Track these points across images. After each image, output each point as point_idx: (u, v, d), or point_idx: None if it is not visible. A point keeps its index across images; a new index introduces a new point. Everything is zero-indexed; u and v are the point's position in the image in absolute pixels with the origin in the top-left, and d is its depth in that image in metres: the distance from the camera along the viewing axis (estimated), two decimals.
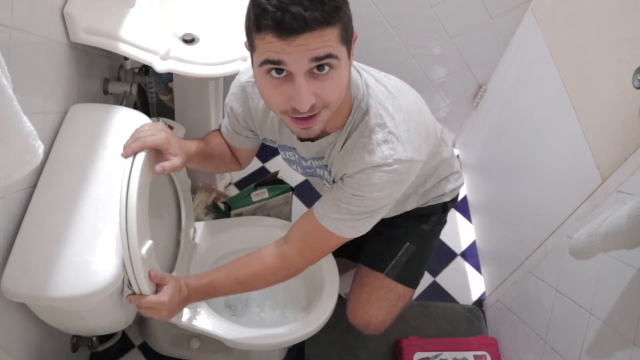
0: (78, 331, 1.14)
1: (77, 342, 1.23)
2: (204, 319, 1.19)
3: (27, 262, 0.87)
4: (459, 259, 1.83)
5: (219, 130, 1.17)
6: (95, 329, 1.11)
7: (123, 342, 1.48)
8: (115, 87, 1.31)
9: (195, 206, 1.66)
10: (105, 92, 1.31)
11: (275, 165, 1.93)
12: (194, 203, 1.62)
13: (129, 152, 0.90)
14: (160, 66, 1.09)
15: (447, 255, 1.83)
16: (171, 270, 1.22)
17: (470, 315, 1.65)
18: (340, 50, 0.75)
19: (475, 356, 1.49)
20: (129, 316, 1.06)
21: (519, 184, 1.58)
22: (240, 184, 1.87)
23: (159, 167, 0.92)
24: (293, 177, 1.87)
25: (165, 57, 1.09)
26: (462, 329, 1.62)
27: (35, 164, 0.67)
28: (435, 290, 1.74)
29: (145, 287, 0.91)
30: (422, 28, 1.67)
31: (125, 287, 0.94)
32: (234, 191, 1.84)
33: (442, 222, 1.34)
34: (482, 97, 1.88)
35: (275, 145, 1.09)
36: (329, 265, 1.29)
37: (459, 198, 1.53)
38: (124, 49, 1.08)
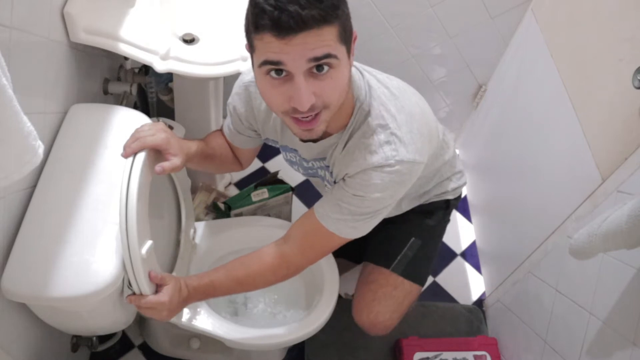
0: (78, 331, 1.14)
1: (77, 342, 1.23)
2: (204, 319, 1.19)
3: (27, 262, 0.87)
4: (459, 259, 1.83)
5: (220, 130, 1.17)
6: (95, 329, 1.11)
7: (123, 342, 1.48)
8: (115, 87, 1.31)
9: (195, 206, 1.66)
10: (105, 92, 1.31)
11: (275, 165, 1.93)
12: (194, 203, 1.62)
13: (129, 152, 0.90)
14: (160, 66, 1.09)
15: (447, 255, 1.83)
16: (171, 270, 1.22)
17: (470, 315, 1.65)
18: (340, 50, 0.75)
19: (475, 356, 1.49)
20: (129, 316, 1.06)
21: (519, 184, 1.58)
22: (240, 184, 1.87)
23: (158, 167, 0.92)
24: (293, 177, 1.87)
25: (165, 57, 1.09)
26: (462, 329, 1.62)
27: (35, 164, 0.67)
28: (435, 290, 1.74)
29: (145, 287, 0.91)
30: (422, 28, 1.67)
31: (125, 287, 0.94)
32: (234, 191, 1.84)
33: (445, 219, 1.34)
34: (482, 97, 1.88)
35: (277, 146, 1.09)
36: (329, 265, 1.28)
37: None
38: (124, 49, 1.08)
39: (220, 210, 1.64)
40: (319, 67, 0.74)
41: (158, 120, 1.09)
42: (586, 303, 1.11)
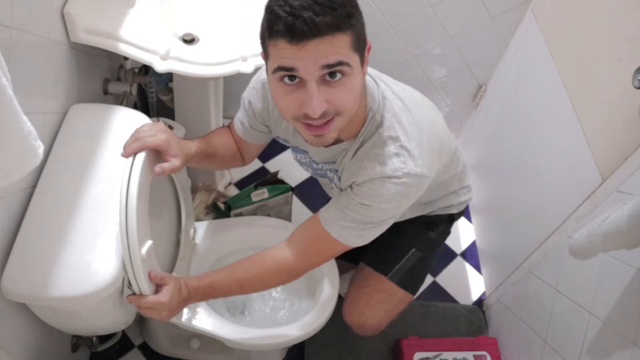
0: (78, 331, 1.14)
1: (77, 342, 1.23)
2: (204, 319, 1.19)
3: (27, 262, 0.87)
4: (459, 259, 1.83)
5: (224, 128, 1.16)
6: (95, 329, 1.11)
7: (123, 342, 1.47)
8: (115, 87, 1.31)
9: (195, 206, 1.66)
10: (105, 92, 1.31)
11: (275, 165, 1.93)
12: (194, 203, 1.62)
13: (129, 152, 0.90)
14: (160, 66, 1.09)
15: (447, 255, 1.83)
16: (171, 270, 1.22)
17: (470, 315, 1.65)
18: (352, 58, 0.76)
19: (475, 356, 1.49)
20: (129, 316, 1.06)
21: (519, 184, 1.58)
22: (240, 184, 1.87)
23: (158, 167, 0.92)
24: (293, 177, 1.87)
25: (165, 57, 1.09)
26: (462, 329, 1.62)
27: (35, 164, 0.67)
28: (435, 290, 1.74)
29: (145, 287, 0.91)
30: (422, 28, 1.67)
31: (125, 287, 0.94)
32: (234, 191, 1.84)
33: (447, 232, 1.35)
34: (482, 97, 1.88)
35: (288, 145, 1.09)
36: (329, 266, 1.28)
37: None
38: (124, 49, 1.08)
39: (220, 210, 1.64)
40: (332, 74, 0.75)
41: (158, 120, 1.09)
42: (586, 303, 1.11)
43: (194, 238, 1.32)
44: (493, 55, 1.74)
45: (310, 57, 0.72)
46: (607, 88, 1.13)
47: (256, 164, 1.93)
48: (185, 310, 1.18)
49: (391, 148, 0.89)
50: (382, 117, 0.91)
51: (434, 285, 1.75)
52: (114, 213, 0.88)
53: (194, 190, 1.68)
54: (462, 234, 1.89)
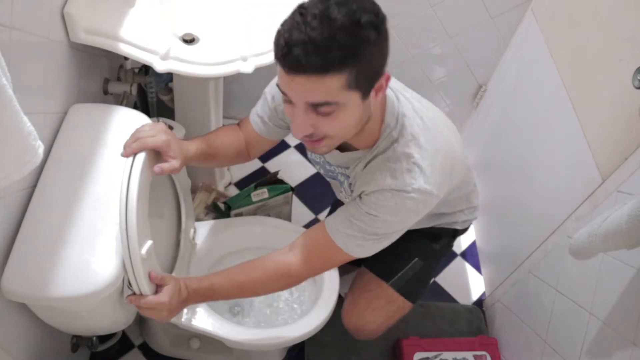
0: (78, 331, 1.14)
1: (77, 342, 1.23)
2: (204, 319, 1.19)
3: (27, 262, 0.87)
4: (459, 259, 1.83)
5: (230, 126, 1.15)
6: (95, 329, 1.11)
7: (123, 342, 1.47)
8: (115, 87, 1.31)
9: (195, 206, 1.66)
10: (105, 92, 1.31)
11: (275, 165, 1.93)
12: (194, 203, 1.62)
13: (129, 151, 0.90)
14: (160, 66, 1.09)
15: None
16: (171, 270, 1.22)
17: (470, 315, 1.65)
18: (345, 97, 0.76)
19: (475, 356, 1.49)
20: (129, 316, 1.06)
21: (519, 184, 1.58)
22: (240, 184, 1.87)
23: (157, 167, 0.92)
24: (293, 177, 1.87)
25: (165, 57, 1.09)
26: (462, 329, 1.62)
27: (35, 164, 0.67)
28: (435, 290, 1.74)
29: (145, 287, 0.91)
30: (422, 28, 1.67)
31: (125, 287, 0.94)
32: (234, 191, 1.84)
33: (449, 245, 1.35)
34: (482, 97, 1.88)
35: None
36: None
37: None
38: (124, 49, 1.08)
39: (220, 210, 1.64)
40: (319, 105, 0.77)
41: (158, 120, 1.09)
42: (586, 303, 1.11)
43: (194, 238, 1.32)
44: (493, 55, 1.74)
45: (298, 90, 0.75)
46: (607, 88, 1.13)
47: (256, 164, 1.93)
48: (185, 310, 1.18)
49: (404, 164, 0.91)
50: (400, 134, 0.92)
51: (434, 285, 1.75)
52: (114, 213, 0.88)
53: (194, 190, 1.68)
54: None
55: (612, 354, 1.01)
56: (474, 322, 1.64)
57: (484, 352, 1.50)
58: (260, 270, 1.02)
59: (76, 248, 0.88)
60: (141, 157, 0.89)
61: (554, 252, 1.29)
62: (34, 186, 0.95)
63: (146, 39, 1.09)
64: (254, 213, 1.56)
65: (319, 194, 1.86)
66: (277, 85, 0.79)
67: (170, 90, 1.52)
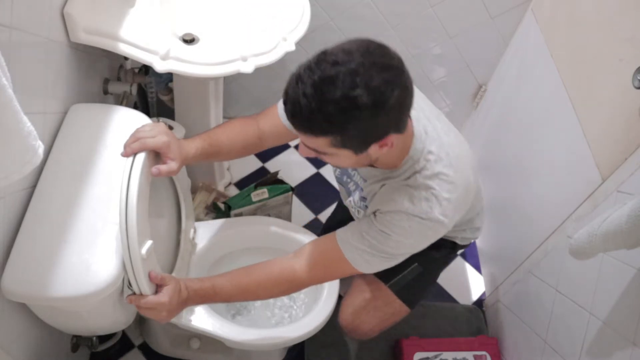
0: (78, 331, 1.14)
1: (77, 342, 1.23)
2: (204, 319, 1.19)
3: (27, 262, 0.87)
4: (459, 259, 1.83)
5: (241, 119, 1.11)
6: (95, 329, 1.11)
7: (123, 342, 1.48)
8: (115, 87, 1.31)
9: (195, 206, 1.66)
10: (105, 92, 1.31)
11: (275, 165, 1.93)
12: (194, 203, 1.62)
13: (129, 151, 0.90)
14: (160, 66, 1.09)
15: None
16: (171, 270, 1.22)
17: (470, 315, 1.65)
18: (334, 151, 0.83)
19: (475, 356, 1.49)
20: (129, 316, 1.06)
21: (519, 183, 1.58)
22: (240, 184, 1.87)
23: (155, 169, 0.92)
24: (293, 177, 1.87)
25: (165, 57, 1.09)
26: (462, 329, 1.62)
27: (35, 164, 0.67)
28: (435, 290, 1.74)
29: (145, 287, 0.91)
30: (422, 28, 1.67)
31: (125, 287, 0.94)
32: (234, 191, 1.84)
33: (449, 256, 1.35)
34: (482, 97, 1.88)
35: None
36: None
37: None
38: (124, 49, 1.08)
39: (220, 210, 1.64)
40: None
41: (158, 121, 1.09)
42: (586, 303, 1.11)
43: (194, 238, 1.32)
44: (493, 55, 1.74)
45: (297, 131, 0.82)
46: (607, 88, 1.13)
47: (256, 164, 1.93)
48: (186, 310, 1.18)
49: (423, 193, 0.94)
50: (423, 167, 0.95)
51: (434, 285, 1.75)
52: (114, 213, 0.88)
53: (194, 190, 1.68)
54: None
55: (612, 354, 1.01)
56: (474, 322, 1.64)
57: (484, 352, 1.50)
58: (262, 274, 1.02)
59: (76, 248, 0.88)
60: (141, 157, 0.89)
61: (554, 252, 1.29)
62: (34, 186, 0.95)
63: (146, 39, 1.09)
64: (254, 213, 1.56)
65: (319, 194, 1.86)
66: None
67: (170, 90, 1.51)
